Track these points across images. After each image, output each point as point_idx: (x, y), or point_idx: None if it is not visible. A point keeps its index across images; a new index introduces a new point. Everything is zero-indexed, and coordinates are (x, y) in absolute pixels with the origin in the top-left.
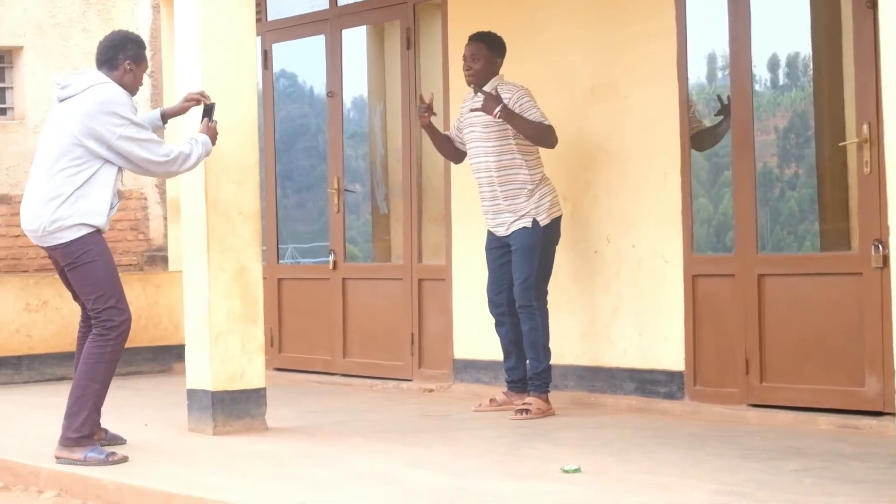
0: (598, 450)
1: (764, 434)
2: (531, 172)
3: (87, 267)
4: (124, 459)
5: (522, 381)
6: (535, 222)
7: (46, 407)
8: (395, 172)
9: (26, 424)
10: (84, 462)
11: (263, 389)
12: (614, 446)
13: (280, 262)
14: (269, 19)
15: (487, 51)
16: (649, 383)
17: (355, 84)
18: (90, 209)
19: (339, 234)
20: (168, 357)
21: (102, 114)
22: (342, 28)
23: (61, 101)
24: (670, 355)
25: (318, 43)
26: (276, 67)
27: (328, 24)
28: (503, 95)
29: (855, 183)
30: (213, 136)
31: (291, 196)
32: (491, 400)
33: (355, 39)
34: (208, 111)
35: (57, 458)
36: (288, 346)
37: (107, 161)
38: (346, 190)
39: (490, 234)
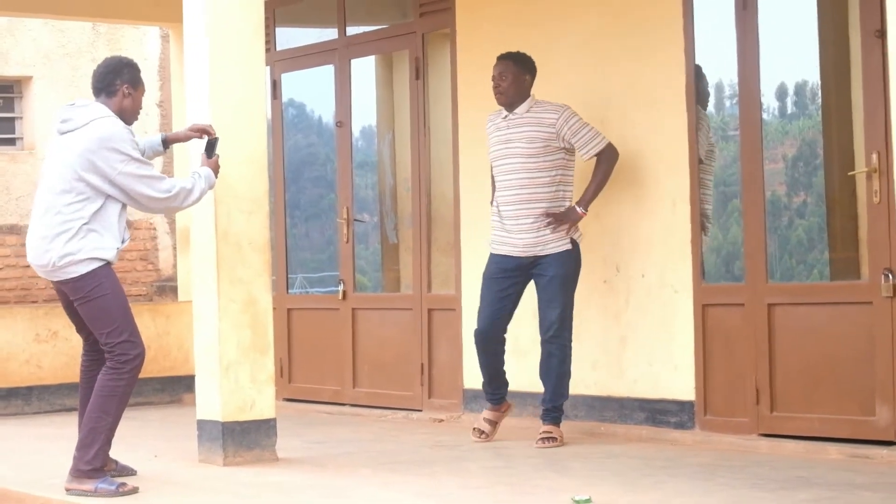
0: (609, 480)
1: (774, 464)
2: (569, 192)
3: (99, 301)
4: (134, 490)
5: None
6: (574, 244)
7: (56, 438)
8: (404, 202)
9: (36, 456)
10: (95, 493)
11: (273, 420)
12: (624, 476)
13: (289, 291)
14: (277, 49)
15: (515, 67)
16: (659, 413)
17: (364, 113)
18: (100, 243)
19: (348, 264)
20: (178, 388)
21: (103, 149)
22: (351, 58)
23: (62, 133)
24: (680, 385)
25: (327, 73)
26: (285, 97)
27: (337, 53)
28: (548, 117)
29: (864, 212)
30: (216, 170)
31: (300, 225)
32: (481, 433)
33: (364, 69)
34: (211, 145)
35: (67, 489)
36: (298, 377)
37: (109, 196)
38: (355, 220)
39: (499, 258)
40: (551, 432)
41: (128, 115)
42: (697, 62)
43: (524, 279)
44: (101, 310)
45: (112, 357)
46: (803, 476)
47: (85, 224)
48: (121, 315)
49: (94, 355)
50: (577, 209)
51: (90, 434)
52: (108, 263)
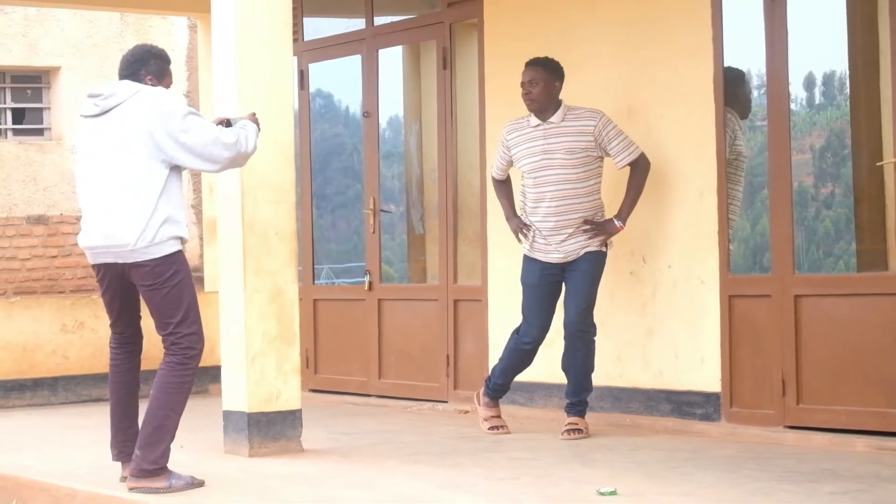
0: (635, 472)
1: (800, 456)
2: (600, 199)
3: (174, 289)
4: (202, 483)
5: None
6: (606, 245)
7: (83, 428)
8: (430, 192)
9: (63, 446)
10: (169, 489)
11: (299, 411)
12: (650, 468)
13: (316, 282)
14: (305, 39)
15: (545, 74)
16: (685, 405)
17: (391, 104)
18: (174, 220)
19: (374, 255)
20: (203, 378)
21: (162, 112)
22: (378, 48)
23: (104, 112)
24: (706, 377)
25: (354, 63)
26: (313, 87)
27: (364, 44)
28: (586, 124)
29: (892, 203)
30: (256, 123)
31: (327, 216)
32: (500, 427)
33: (391, 59)
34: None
35: (131, 488)
36: (323, 368)
37: (171, 167)
38: (381, 210)
39: (542, 265)
40: (577, 424)
41: None
42: (740, 67)
43: (562, 279)
44: (174, 298)
45: (179, 350)
46: (830, 468)
47: (158, 197)
48: (192, 306)
49: (129, 348)
50: (616, 223)
51: (156, 432)
52: (182, 249)
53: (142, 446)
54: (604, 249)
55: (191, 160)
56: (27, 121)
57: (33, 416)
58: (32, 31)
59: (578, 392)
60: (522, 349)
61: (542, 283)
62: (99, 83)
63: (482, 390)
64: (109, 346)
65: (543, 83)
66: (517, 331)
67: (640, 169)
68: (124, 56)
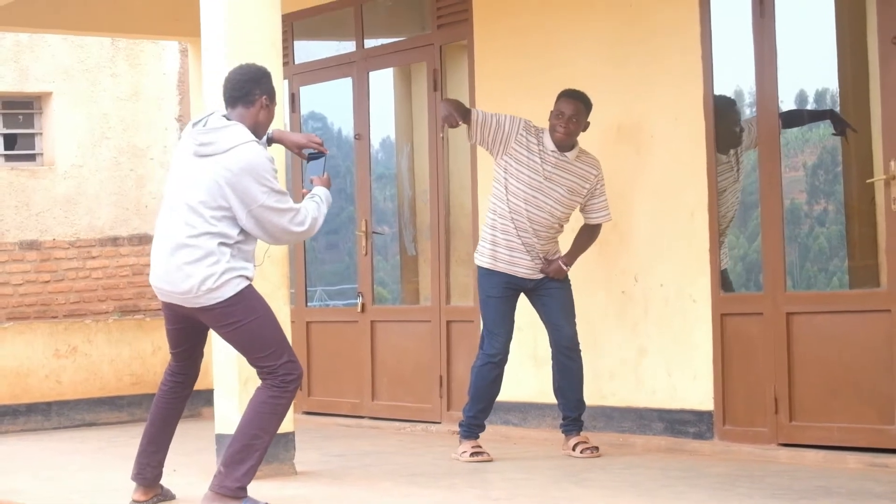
0: (628, 491)
1: (793, 473)
2: None
3: (252, 325)
4: None
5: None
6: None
7: (77, 453)
8: (422, 214)
9: (56, 471)
10: None
11: (292, 434)
12: (643, 487)
13: (308, 304)
14: (296, 62)
15: (585, 110)
16: (678, 423)
17: (383, 126)
18: (240, 265)
19: (367, 277)
20: (197, 402)
21: (247, 179)
22: (369, 70)
23: (200, 156)
24: (699, 395)
25: (345, 85)
26: (304, 110)
27: (355, 66)
28: (590, 172)
29: (883, 220)
30: (328, 187)
31: (319, 238)
32: (481, 454)
33: (382, 81)
34: (315, 158)
35: None
36: (316, 390)
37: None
38: (374, 232)
39: (506, 277)
40: (588, 440)
41: (262, 129)
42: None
43: (520, 294)
44: (255, 334)
45: (275, 378)
46: (823, 485)
47: (228, 247)
48: (276, 336)
49: (182, 378)
50: (564, 267)
51: (244, 450)
52: (251, 284)
53: (227, 464)
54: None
55: (257, 230)
56: (19, 146)
57: (27, 441)
58: (23, 57)
59: (580, 406)
60: (491, 364)
61: (506, 294)
62: (91, 112)
63: (459, 433)
64: (165, 370)
65: (580, 119)
66: (482, 349)
67: (596, 232)
68: (232, 75)
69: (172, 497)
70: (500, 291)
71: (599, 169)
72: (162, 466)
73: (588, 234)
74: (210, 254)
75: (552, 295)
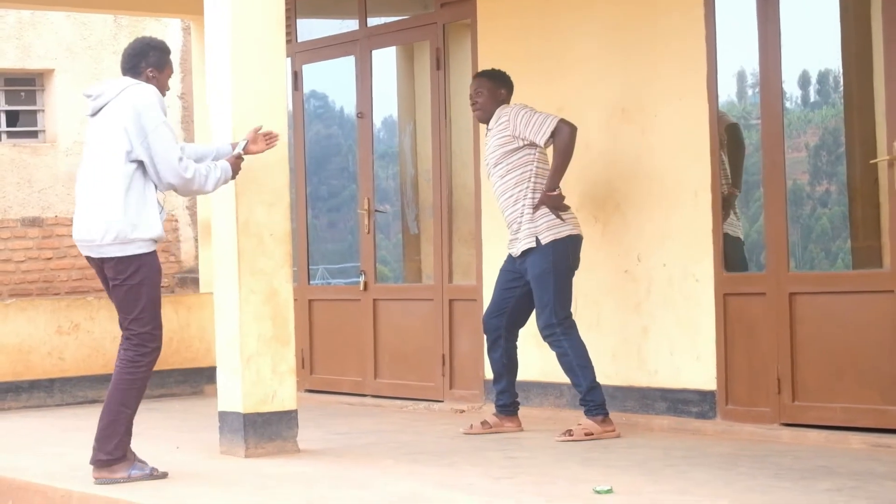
0: (631, 470)
1: (796, 453)
2: (534, 194)
3: (133, 287)
4: (165, 475)
5: (512, 405)
6: (538, 241)
7: (79, 430)
8: (425, 193)
9: (59, 448)
10: (129, 479)
11: (295, 411)
12: (646, 466)
13: (311, 283)
14: (299, 40)
15: (489, 82)
16: (681, 403)
17: (385, 104)
18: (146, 220)
19: (369, 255)
20: (199, 379)
21: (141, 111)
22: (372, 49)
23: (95, 112)
24: (702, 375)
25: (348, 64)
26: (306, 88)
27: (358, 44)
28: (501, 119)
29: (886, 200)
30: (236, 169)
31: (321, 217)
32: (483, 423)
33: (385, 60)
34: (244, 146)
35: (97, 479)
36: (319, 368)
37: (141, 164)
38: (376, 210)
39: (508, 255)
40: (571, 428)
41: None
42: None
43: (523, 280)
44: (131, 296)
45: (131, 346)
46: (825, 465)
47: (130, 193)
48: (150, 305)
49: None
50: (548, 194)
51: (110, 426)
52: (154, 252)
53: (98, 438)
54: (537, 240)
55: (149, 163)
56: (21, 123)
57: (29, 417)
58: (26, 34)
59: (576, 390)
60: (488, 346)
61: (502, 275)
62: (93, 83)
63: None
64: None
65: (483, 91)
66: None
67: (560, 135)
68: (125, 50)
69: (143, 461)
70: (501, 269)
71: (510, 108)
72: (130, 435)
73: (555, 146)
74: (109, 203)
75: (520, 280)
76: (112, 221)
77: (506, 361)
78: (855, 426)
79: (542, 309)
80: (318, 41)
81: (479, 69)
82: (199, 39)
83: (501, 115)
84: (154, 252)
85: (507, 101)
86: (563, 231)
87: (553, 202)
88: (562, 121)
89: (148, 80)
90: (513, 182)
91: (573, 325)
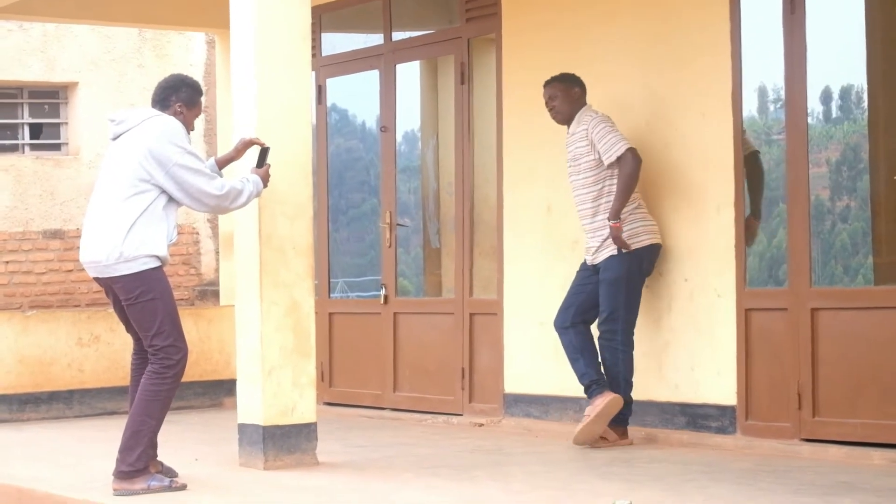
0: (650, 485)
1: (817, 469)
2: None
3: (148, 304)
4: (184, 487)
5: (598, 383)
6: (618, 250)
7: (97, 441)
8: (447, 206)
9: (77, 459)
10: (148, 490)
11: (314, 424)
12: (666, 481)
13: (331, 296)
14: (323, 54)
15: (562, 86)
16: (701, 418)
17: (408, 118)
18: (151, 240)
19: (390, 269)
20: (219, 392)
21: (162, 141)
22: (396, 63)
23: (116, 137)
24: (722, 390)
25: (370, 78)
26: (329, 102)
27: (382, 59)
28: (582, 126)
29: None
30: (266, 179)
31: (343, 230)
32: (602, 438)
33: (409, 74)
34: (262, 155)
35: (116, 490)
36: (339, 381)
37: (163, 191)
38: (398, 224)
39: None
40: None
41: None
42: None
43: (596, 277)
44: (148, 312)
45: (156, 360)
46: (846, 481)
47: (137, 218)
48: (168, 319)
49: (144, 354)
50: (609, 223)
51: (133, 437)
52: (160, 266)
53: (121, 450)
54: (622, 251)
55: (178, 192)
56: (45, 136)
57: (49, 429)
58: (51, 48)
59: (616, 386)
60: (559, 335)
61: (578, 275)
62: (116, 102)
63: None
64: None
65: (558, 95)
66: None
67: (625, 165)
68: (158, 83)
69: (174, 474)
70: (579, 268)
71: (591, 116)
72: (156, 447)
73: (619, 181)
74: (119, 227)
75: (594, 279)
76: (117, 242)
77: (577, 343)
78: (876, 442)
79: (608, 313)
80: (342, 55)
81: (504, 84)
82: (223, 53)
83: (582, 119)
84: (160, 268)
85: (583, 98)
86: (644, 240)
87: (614, 233)
88: (630, 149)
89: (175, 115)
90: (592, 195)
91: (632, 342)
